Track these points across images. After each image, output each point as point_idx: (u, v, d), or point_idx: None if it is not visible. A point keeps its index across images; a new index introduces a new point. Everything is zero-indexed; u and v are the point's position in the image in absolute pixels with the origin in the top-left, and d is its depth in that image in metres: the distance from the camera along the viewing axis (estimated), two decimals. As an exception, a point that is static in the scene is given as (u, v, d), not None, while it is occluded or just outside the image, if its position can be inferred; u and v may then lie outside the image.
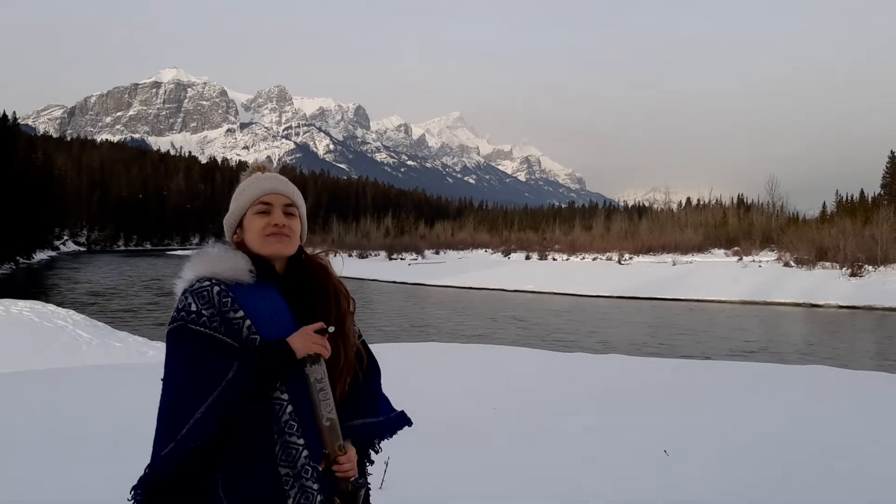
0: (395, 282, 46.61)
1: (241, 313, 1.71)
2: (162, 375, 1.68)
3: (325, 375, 1.73)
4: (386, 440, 1.96)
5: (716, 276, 39.58)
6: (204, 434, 1.58)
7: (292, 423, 1.69)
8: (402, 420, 1.99)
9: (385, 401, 2.00)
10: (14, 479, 4.71)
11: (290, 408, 1.70)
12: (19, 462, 5.11)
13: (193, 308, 1.69)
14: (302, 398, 1.72)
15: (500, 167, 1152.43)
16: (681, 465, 5.28)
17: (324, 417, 1.72)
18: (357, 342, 1.94)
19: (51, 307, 18.05)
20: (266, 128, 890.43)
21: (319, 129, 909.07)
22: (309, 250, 1.99)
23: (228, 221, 1.91)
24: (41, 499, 4.39)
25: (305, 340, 1.69)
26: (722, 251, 60.76)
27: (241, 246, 1.87)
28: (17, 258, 57.09)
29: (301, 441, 1.70)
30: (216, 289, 1.72)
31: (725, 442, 6.02)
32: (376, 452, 1.96)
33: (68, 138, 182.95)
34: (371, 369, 1.99)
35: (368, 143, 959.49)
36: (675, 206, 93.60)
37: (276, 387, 1.69)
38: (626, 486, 4.83)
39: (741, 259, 52.45)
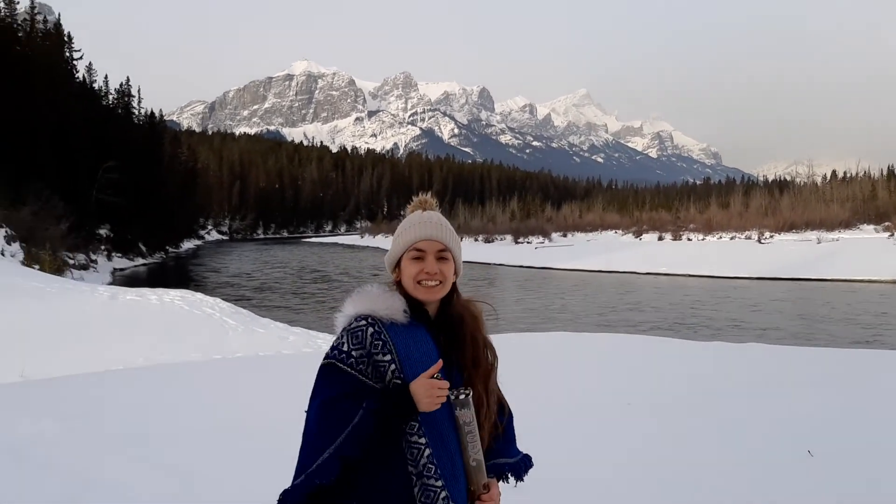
0: (521, 266, 46.44)
1: (388, 357, 1.81)
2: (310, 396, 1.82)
3: (473, 419, 1.85)
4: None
5: (865, 253, 37.00)
6: (329, 474, 1.70)
7: (430, 465, 1.78)
8: (530, 462, 2.12)
9: (515, 442, 2.14)
10: (178, 468, 5.08)
11: (427, 451, 1.79)
12: (183, 451, 5.50)
13: (346, 348, 1.81)
14: (439, 441, 1.82)
15: (629, 144, 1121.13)
16: (825, 466, 5.04)
17: (471, 458, 1.86)
18: (498, 390, 2.06)
19: (199, 296, 19.25)
20: (392, 115, 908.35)
21: (444, 114, 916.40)
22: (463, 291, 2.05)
23: (388, 261, 2.00)
24: (204, 489, 4.74)
25: (423, 390, 1.75)
26: (871, 227, 56.63)
27: (398, 285, 1.96)
28: (167, 247, 60.99)
29: (439, 483, 1.79)
30: (370, 330, 1.82)
31: (870, 442, 5.68)
32: (507, 483, 2.09)
33: (209, 132, 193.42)
34: (506, 413, 2.11)
35: (493, 125, 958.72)
36: (819, 180, 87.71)
37: (414, 431, 1.79)
38: (760, 487, 4.67)
39: (893, 235, 48.71)
